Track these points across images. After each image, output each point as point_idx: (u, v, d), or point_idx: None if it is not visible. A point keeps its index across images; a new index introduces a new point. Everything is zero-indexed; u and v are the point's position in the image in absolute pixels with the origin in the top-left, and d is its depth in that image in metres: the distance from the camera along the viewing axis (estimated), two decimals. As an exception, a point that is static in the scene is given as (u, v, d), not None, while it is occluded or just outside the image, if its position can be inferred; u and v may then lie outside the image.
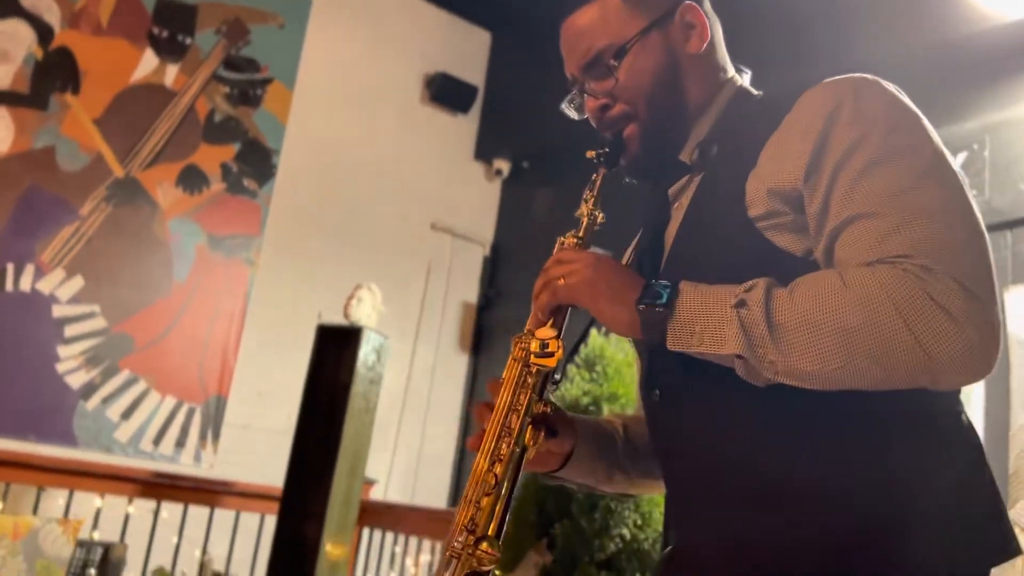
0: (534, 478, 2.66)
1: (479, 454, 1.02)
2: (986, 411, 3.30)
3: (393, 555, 4.01)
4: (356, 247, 5.39)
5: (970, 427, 1.00)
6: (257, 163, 5.21)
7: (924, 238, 0.88)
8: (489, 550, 0.95)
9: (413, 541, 3.87)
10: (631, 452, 1.24)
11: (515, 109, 5.86)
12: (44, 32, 4.72)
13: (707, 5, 1.19)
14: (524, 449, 1.02)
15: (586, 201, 1.15)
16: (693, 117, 1.14)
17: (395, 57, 5.76)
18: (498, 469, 1.00)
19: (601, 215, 1.15)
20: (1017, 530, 3.03)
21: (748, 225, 0.99)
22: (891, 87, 1.02)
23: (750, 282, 0.92)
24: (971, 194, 0.96)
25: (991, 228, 3.41)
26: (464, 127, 5.99)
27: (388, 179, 5.60)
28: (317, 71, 5.42)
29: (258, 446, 4.80)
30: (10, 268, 4.45)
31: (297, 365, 3.92)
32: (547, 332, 1.04)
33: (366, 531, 3.99)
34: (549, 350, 1.02)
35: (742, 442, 1.00)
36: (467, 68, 5.98)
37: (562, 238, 1.13)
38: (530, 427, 1.02)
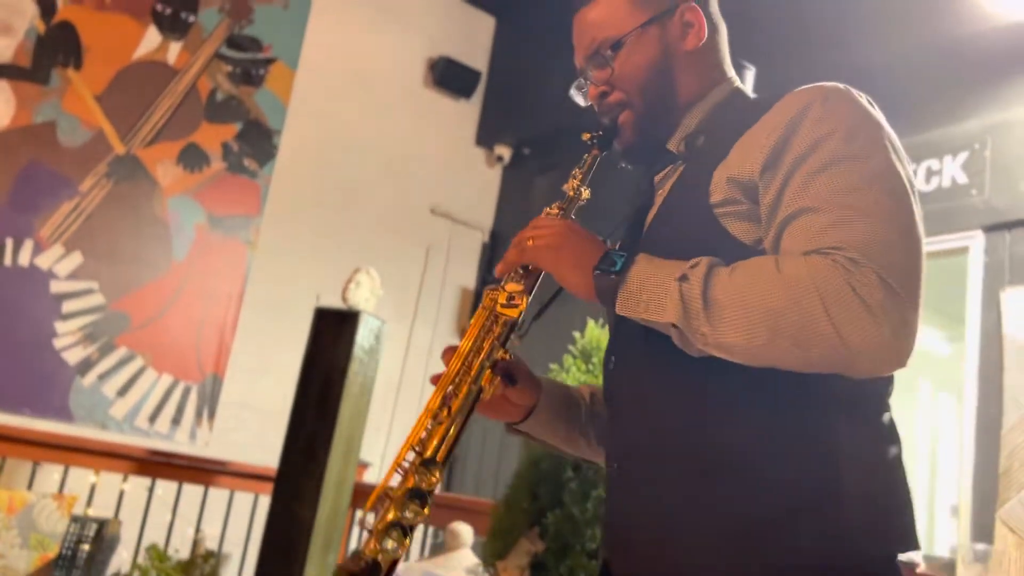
0: (529, 468, 2.69)
1: (438, 387, 1.10)
2: (978, 411, 3.32)
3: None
4: (355, 229, 5.39)
5: (892, 426, 1.07)
6: (258, 143, 5.20)
7: (858, 234, 0.94)
8: (430, 473, 1.03)
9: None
10: (592, 418, 1.32)
11: (518, 95, 5.85)
12: (47, 6, 4.70)
13: (713, 7, 1.25)
14: (480, 389, 1.09)
15: (574, 177, 1.22)
16: (684, 110, 1.21)
17: (399, 40, 5.74)
18: (453, 404, 1.08)
19: (587, 192, 1.21)
20: (1006, 529, 3.06)
21: (708, 211, 1.07)
22: (860, 97, 1.09)
23: (698, 259, 0.99)
24: (916, 207, 1.02)
25: (990, 228, 3.42)
26: (466, 112, 5.98)
27: (389, 162, 5.59)
28: (320, 52, 5.41)
29: (254, 425, 4.82)
30: (9, 243, 4.45)
31: (294, 346, 3.93)
32: (515, 286, 1.12)
33: (359, 513, 4.02)
34: (514, 302, 1.11)
35: (676, 412, 1.07)
36: (471, 53, 5.96)
37: (548, 208, 1.20)
38: (488, 370, 1.10)
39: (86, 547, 3.40)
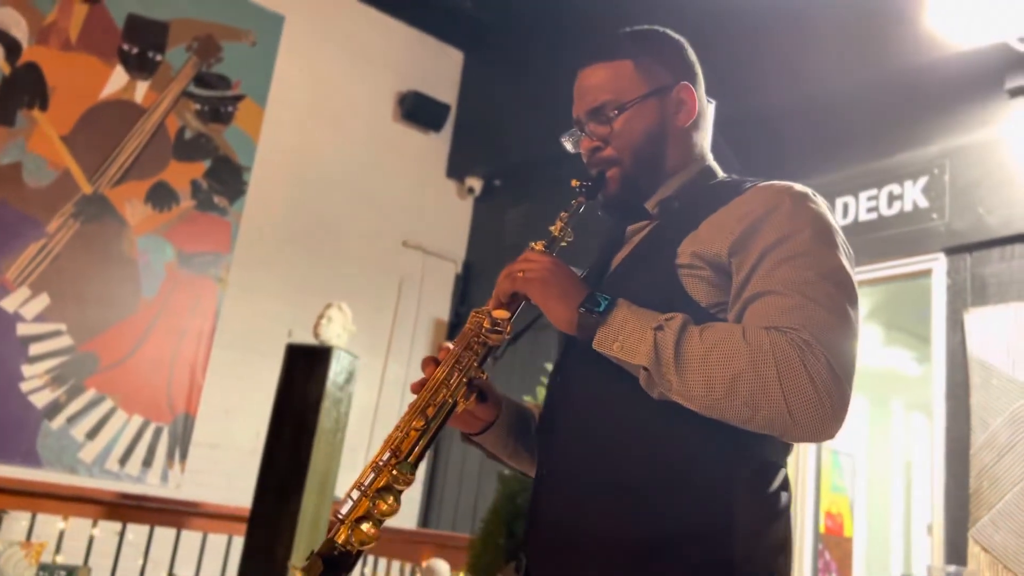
0: (504, 503, 2.68)
1: (418, 396, 1.20)
2: (947, 430, 3.36)
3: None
4: (327, 264, 5.38)
5: (785, 479, 1.20)
6: (227, 180, 5.19)
7: (813, 320, 1.09)
8: (403, 473, 1.12)
9: (383, 562, 3.85)
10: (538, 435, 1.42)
11: (487, 128, 5.90)
12: (12, 47, 4.68)
13: (701, 93, 1.38)
14: (455, 403, 1.19)
15: (560, 219, 1.33)
16: (665, 176, 1.34)
17: (367, 75, 5.78)
18: (430, 412, 1.18)
19: (570, 235, 1.33)
20: (978, 548, 3.08)
21: (671, 270, 1.21)
22: (820, 201, 1.24)
23: (673, 314, 1.13)
24: (856, 301, 1.16)
25: (952, 251, 3.49)
26: (436, 145, 6.01)
27: (360, 196, 5.60)
28: (289, 88, 5.42)
29: (226, 465, 4.76)
30: (-26, 286, 4.39)
31: (267, 383, 3.90)
32: (502, 314, 1.22)
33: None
34: (498, 328, 1.21)
35: (603, 433, 1.20)
36: (439, 87, 6.01)
37: (533, 244, 1.30)
38: (465, 388, 1.20)
39: (55, 595, 3.34)
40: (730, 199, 1.23)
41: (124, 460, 4.64)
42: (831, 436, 1.08)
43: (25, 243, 4.55)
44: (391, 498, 1.10)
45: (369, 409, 5.26)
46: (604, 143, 1.33)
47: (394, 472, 1.12)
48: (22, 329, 4.49)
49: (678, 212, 1.29)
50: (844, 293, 1.13)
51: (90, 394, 4.60)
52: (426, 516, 5.32)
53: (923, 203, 3.62)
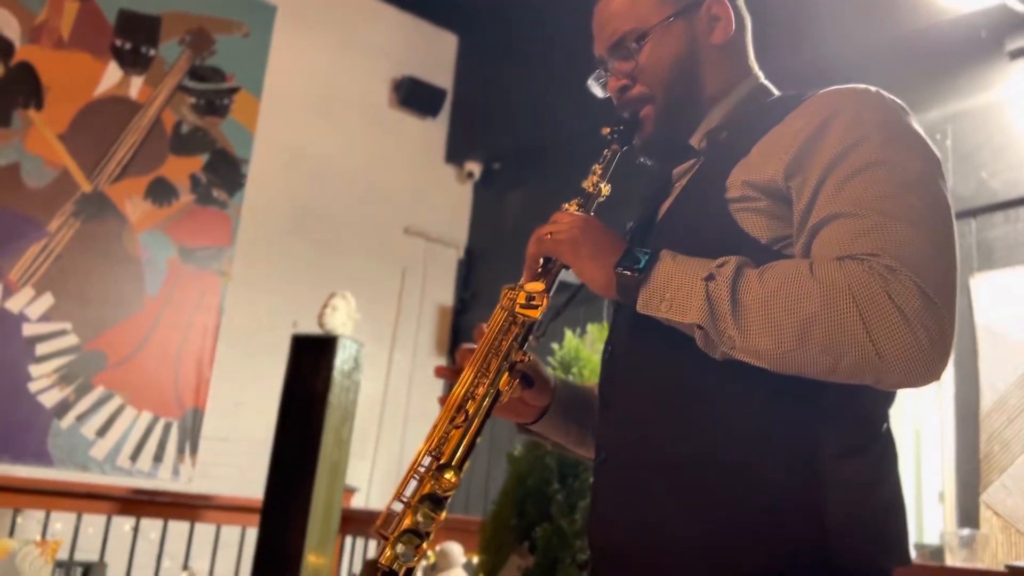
0: (514, 484, 2.68)
1: (456, 387, 1.07)
2: (956, 396, 3.36)
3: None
4: (329, 254, 5.37)
5: (888, 437, 1.05)
6: (226, 173, 5.18)
7: (895, 241, 0.92)
8: (450, 478, 0.99)
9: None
10: None
11: (484, 111, 5.87)
12: (4, 48, 4.66)
13: (739, 2, 1.23)
14: (498, 392, 1.06)
15: (594, 173, 1.18)
16: (708, 105, 1.18)
17: (362, 62, 5.75)
18: (470, 406, 1.05)
19: (607, 187, 1.18)
20: (990, 512, 3.08)
21: (723, 206, 1.04)
22: (894, 101, 1.06)
23: (725, 258, 0.96)
24: (952, 215, 0.99)
25: (956, 216, 3.46)
26: (434, 130, 5.98)
27: (359, 185, 5.58)
28: (284, 79, 5.40)
29: (237, 458, 4.77)
30: (-23, 288, 4.39)
31: (273, 375, 3.90)
32: (535, 286, 1.08)
33: (348, 539, 3.99)
34: (535, 302, 1.07)
35: (666, 407, 1.05)
36: (435, 71, 5.97)
37: (566, 204, 1.16)
38: (507, 373, 1.06)
39: (72, 592, 3.35)
40: (784, 116, 1.06)
41: (135, 456, 4.65)
42: (936, 376, 0.91)
43: (27, 243, 4.55)
44: (438, 508, 0.99)
45: (377, 397, 5.26)
46: (632, 80, 1.18)
47: (438, 478, 0.99)
48: (28, 329, 4.49)
49: (728, 142, 1.12)
50: (931, 206, 0.95)
51: (98, 392, 4.61)
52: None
53: (925, 169, 3.59)
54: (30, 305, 4.51)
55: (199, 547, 3.98)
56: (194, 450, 4.82)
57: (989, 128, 3.45)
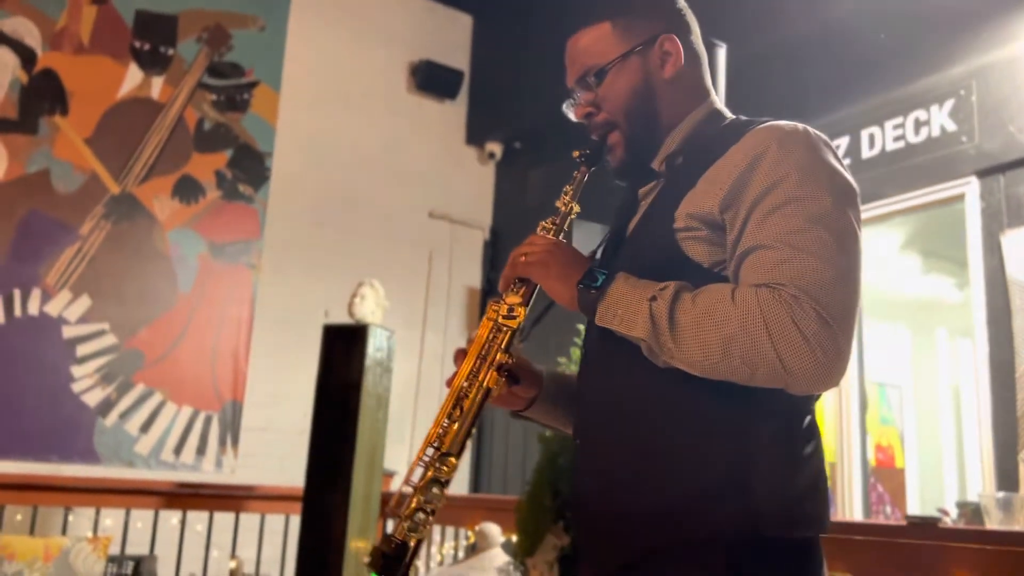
0: (547, 465, 2.71)
1: (451, 390, 1.26)
2: (990, 356, 3.33)
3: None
4: (356, 241, 5.42)
5: (811, 425, 1.22)
6: (250, 168, 5.23)
7: (801, 273, 1.09)
8: (451, 463, 1.20)
9: (437, 528, 3.93)
10: None
11: (502, 91, 5.86)
12: (27, 56, 4.73)
13: (693, 37, 1.37)
14: (488, 390, 1.24)
15: (565, 193, 1.34)
16: (666, 131, 1.34)
17: (378, 49, 5.75)
18: (465, 404, 1.23)
19: (577, 207, 1.34)
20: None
21: (671, 235, 1.22)
22: (815, 139, 1.21)
23: (667, 283, 1.14)
24: (858, 244, 1.14)
25: (984, 173, 3.41)
26: (453, 113, 5.99)
27: (382, 171, 5.61)
28: (301, 70, 5.43)
29: (278, 447, 4.86)
30: (17, 293, 4.50)
31: (309, 363, 3.95)
32: (514, 299, 1.26)
33: (390, 523, 4.05)
34: (514, 314, 1.25)
35: (626, 401, 1.23)
36: (451, 54, 5.97)
37: (543, 223, 1.33)
38: (494, 373, 1.24)
39: (125, 585, 3.46)
40: (728, 147, 1.22)
41: (178, 450, 4.76)
42: (834, 384, 1.10)
43: (61, 248, 4.65)
44: (441, 489, 1.18)
45: (411, 381, 5.32)
46: (595, 108, 1.34)
47: (440, 464, 1.19)
48: (68, 332, 4.60)
49: (681, 168, 1.28)
50: (837, 238, 1.12)
51: (139, 389, 4.71)
52: (477, 482, 5.39)
53: (951, 127, 3.54)
54: (68, 308, 4.62)
55: (245, 535, 4.07)
56: (235, 441, 4.92)
57: (1015, 81, 3.38)
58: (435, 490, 1.17)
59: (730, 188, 1.17)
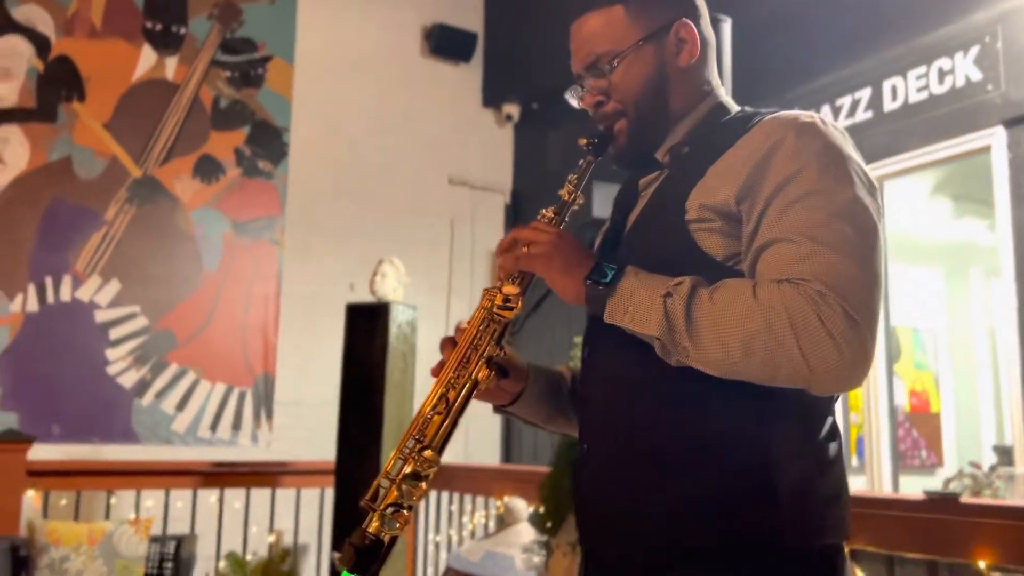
0: (567, 447, 2.73)
1: (437, 380, 1.19)
2: (1019, 305, 3.29)
3: (450, 514, 4.15)
4: (377, 212, 5.42)
5: (832, 429, 1.17)
6: (268, 143, 5.24)
7: (825, 268, 1.04)
8: (431, 457, 1.13)
9: (468, 498, 4.00)
10: (572, 396, 1.42)
11: (517, 51, 5.77)
12: (41, 44, 4.75)
13: (704, 23, 1.31)
14: (476, 383, 1.18)
15: (569, 182, 1.28)
16: (673, 121, 1.28)
17: (390, 14, 5.69)
18: (451, 395, 1.17)
19: (581, 197, 1.28)
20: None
21: (683, 226, 1.16)
22: (832, 129, 1.16)
23: (681, 278, 1.09)
24: (879, 235, 1.10)
25: (1011, 122, 3.31)
26: (468, 76, 5.92)
27: (399, 140, 5.59)
28: (314, 41, 5.39)
29: (311, 419, 4.94)
30: (48, 281, 4.59)
31: (336, 335, 3.95)
32: (511, 289, 1.19)
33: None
34: (510, 304, 1.19)
35: (637, 404, 1.18)
36: (464, 15, 5.88)
37: (544, 211, 1.26)
38: (484, 365, 1.18)
39: (169, 565, 3.57)
40: (737, 139, 1.18)
41: (214, 426, 4.87)
42: (857, 384, 1.06)
43: (88, 234, 4.72)
44: (419, 484, 1.13)
45: (437, 351, 5.36)
46: (606, 97, 1.28)
47: (420, 458, 1.13)
48: (100, 316, 4.69)
49: (687, 158, 1.24)
50: (859, 230, 1.08)
51: (173, 369, 4.81)
52: (507, 452, 5.46)
53: (976, 75, 3.43)
54: (99, 292, 4.70)
55: (282, 508, 4.18)
56: (269, 415, 5.02)
57: (1043, 25, 3.26)
58: (413, 485, 1.12)
59: (746, 178, 1.12)
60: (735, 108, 1.30)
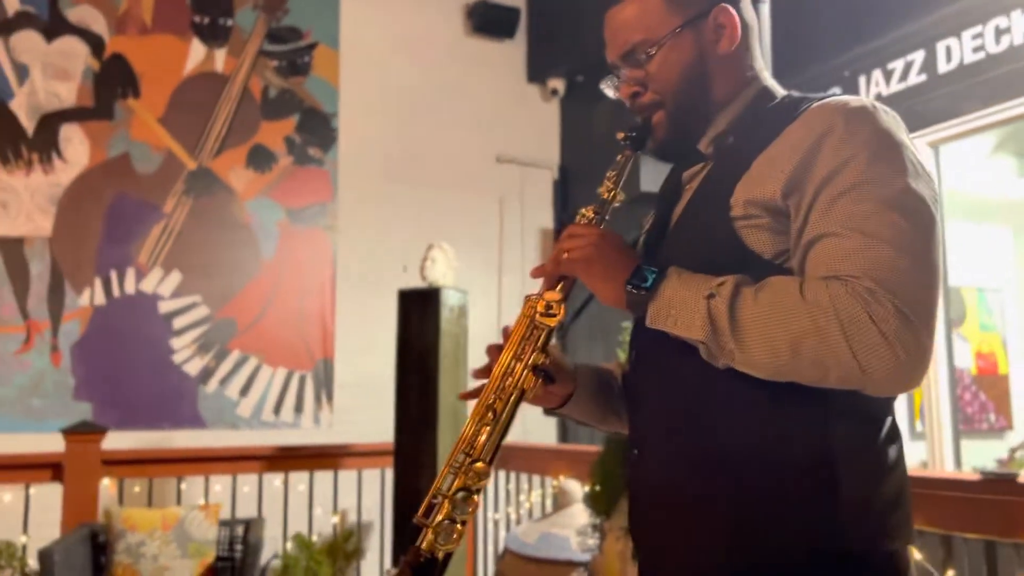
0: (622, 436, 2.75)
1: (484, 390, 1.18)
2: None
3: (507, 492, 4.21)
4: (426, 193, 5.47)
5: (893, 427, 1.13)
6: (318, 130, 5.31)
7: (875, 263, 0.99)
8: (481, 469, 1.12)
9: (524, 477, 4.06)
10: (624, 395, 1.39)
11: (560, 24, 5.72)
12: (95, 43, 4.87)
13: (745, 6, 1.25)
14: (523, 392, 1.17)
15: (608, 179, 1.25)
16: (715, 111, 1.23)
17: (432, -6, 5.68)
18: (498, 405, 1.16)
19: (621, 195, 1.25)
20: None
21: (728, 224, 1.12)
22: (883, 115, 1.10)
23: (725, 278, 1.05)
24: (937, 227, 1.04)
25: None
26: (512, 52, 5.90)
27: (446, 119, 5.61)
28: (358, 26, 5.42)
29: (371, 400, 5.03)
30: (113, 275, 4.75)
31: (391, 317, 4.00)
32: (553, 296, 1.18)
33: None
34: (552, 311, 1.17)
35: (688, 407, 1.15)
36: (505, -9, 5.84)
37: (583, 209, 1.24)
38: (530, 373, 1.17)
39: (239, 547, 3.71)
40: (784, 127, 1.12)
41: (277, 410, 5.01)
42: (915, 386, 1.01)
43: (148, 227, 4.86)
44: (472, 497, 1.12)
45: (492, 328, 5.40)
46: (643, 87, 1.23)
47: (471, 471, 1.12)
48: (163, 307, 4.85)
49: (732, 149, 1.19)
50: (913, 222, 1.02)
51: (235, 356, 4.96)
52: (564, 432, 5.50)
53: (1035, 33, 3.30)
54: (161, 284, 4.86)
55: (344, 489, 4.29)
56: (330, 397, 5.14)
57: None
58: (465, 499, 1.11)
59: (793, 171, 1.07)
60: (781, 93, 1.24)
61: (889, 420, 1.11)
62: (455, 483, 1.12)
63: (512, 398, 1.17)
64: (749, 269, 1.07)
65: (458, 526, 1.10)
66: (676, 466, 1.14)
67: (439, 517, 1.10)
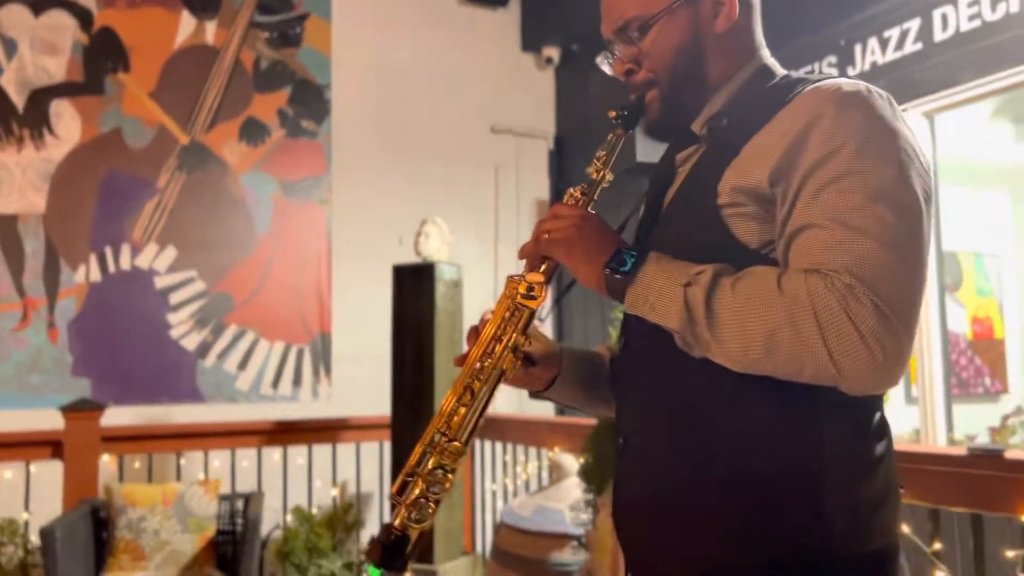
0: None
1: (462, 371, 1.17)
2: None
3: (504, 464, 4.25)
4: (421, 164, 5.44)
5: (882, 424, 1.10)
6: (311, 102, 5.27)
7: (858, 258, 0.96)
8: (457, 449, 1.12)
9: (520, 448, 4.09)
10: (611, 379, 1.38)
11: (555, -9, 5.65)
12: (84, 17, 4.82)
13: None
14: (502, 373, 1.16)
15: (597, 159, 1.22)
16: (711, 91, 1.20)
17: (424, -38, 5.60)
18: (477, 386, 1.15)
19: (610, 176, 1.22)
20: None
21: (715, 212, 1.09)
22: (878, 100, 1.06)
23: (704, 266, 1.03)
24: (926, 220, 1.01)
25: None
26: (506, 20, 5.83)
27: (440, 90, 5.56)
28: (349, -4, 5.35)
29: (369, 372, 5.05)
30: (108, 251, 4.74)
31: (387, 290, 4.02)
32: (536, 277, 1.16)
33: (476, 443, 4.24)
34: (534, 293, 1.16)
35: (675, 399, 1.13)
36: (498, -42, 5.76)
37: (571, 189, 1.22)
38: (510, 355, 1.16)
39: (239, 520, 3.75)
40: (777, 111, 1.09)
41: (276, 383, 5.03)
42: (891, 386, 0.98)
43: (142, 203, 4.85)
44: (447, 476, 1.11)
45: (488, 298, 5.41)
46: (636, 65, 1.20)
47: (446, 451, 1.11)
48: (159, 282, 4.85)
49: (725, 133, 1.15)
50: (900, 216, 0.98)
51: (232, 330, 4.97)
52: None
53: (1032, 0, 3.26)
54: (157, 259, 4.85)
55: (343, 462, 4.33)
56: (328, 371, 5.16)
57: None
58: (440, 478, 1.10)
59: (781, 158, 1.04)
60: (780, 72, 1.21)
61: (878, 415, 1.10)
62: (430, 461, 1.11)
63: (491, 379, 1.16)
64: (735, 258, 1.04)
65: (431, 504, 1.10)
66: (660, 460, 1.13)
67: (413, 494, 1.10)
